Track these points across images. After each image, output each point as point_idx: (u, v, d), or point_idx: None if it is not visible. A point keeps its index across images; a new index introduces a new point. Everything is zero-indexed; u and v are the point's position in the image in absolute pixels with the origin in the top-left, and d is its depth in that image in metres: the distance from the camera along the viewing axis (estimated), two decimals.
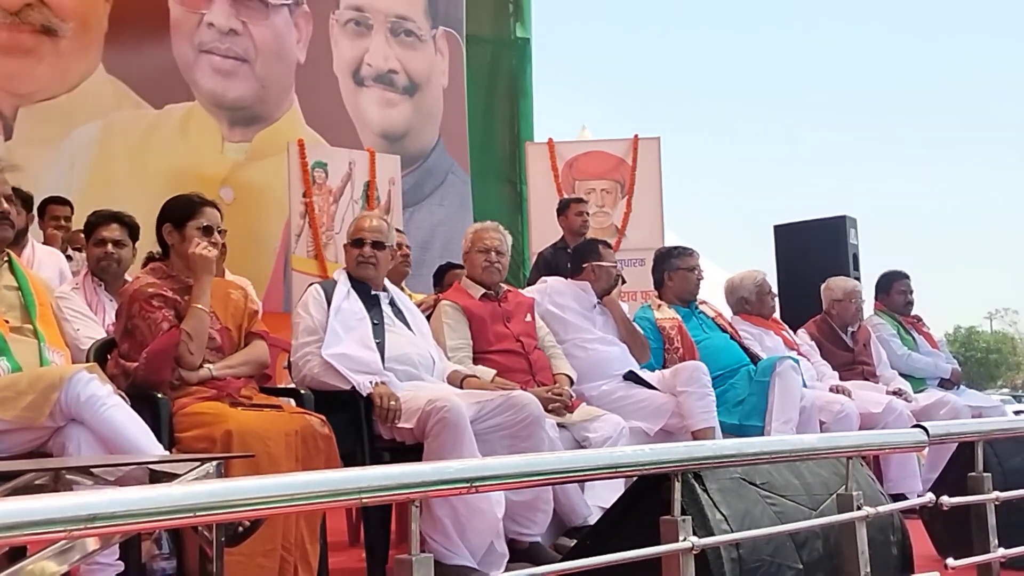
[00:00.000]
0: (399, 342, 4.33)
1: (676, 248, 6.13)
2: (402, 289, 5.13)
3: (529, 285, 5.90)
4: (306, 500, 1.67)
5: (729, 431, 5.09)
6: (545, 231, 8.22)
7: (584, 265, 5.40)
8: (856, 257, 8.30)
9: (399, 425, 3.98)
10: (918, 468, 5.87)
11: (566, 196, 8.20)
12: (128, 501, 1.41)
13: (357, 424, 4.03)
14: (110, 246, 4.54)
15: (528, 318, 4.94)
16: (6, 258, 3.53)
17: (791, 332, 6.44)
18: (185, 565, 3.19)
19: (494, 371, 4.57)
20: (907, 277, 6.99)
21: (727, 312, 6.29)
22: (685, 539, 2.19)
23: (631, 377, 5.12)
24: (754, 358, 5.62)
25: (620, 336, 5.30)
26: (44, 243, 5.58)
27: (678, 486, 2.24)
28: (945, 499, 2.97)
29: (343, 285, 4.39)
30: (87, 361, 3.62)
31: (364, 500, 1.75)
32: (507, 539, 4.04)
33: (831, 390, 5.84)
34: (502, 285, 4.98)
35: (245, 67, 9.37)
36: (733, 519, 2.40)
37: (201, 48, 9.08)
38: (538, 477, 2.14)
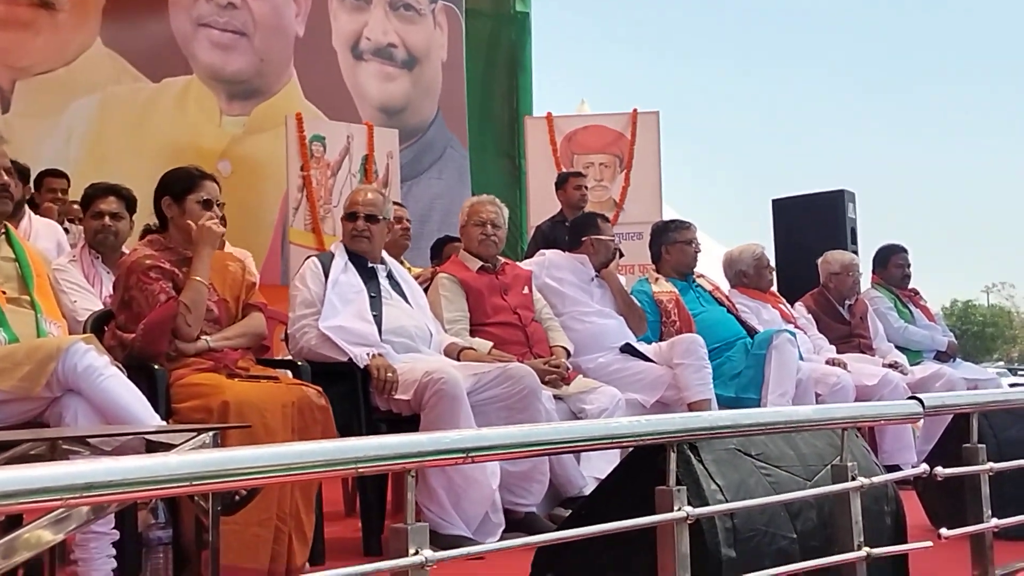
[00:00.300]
0: (396, 315, 4.34)
1: (673, 222, 6.14)
2: (402, 263, 5.14)
3: (527, 259, 5.90)
4: (302, 470, 1.67)
5: (725, 403, 5.11)
6: (544, 205, 8.22)
7: (582, 239, 5.40)
8: (854, 231, 8.30)
9: (396, 397, 4.00)
10: (913, 440, 5.90)
11: (565, 170, 8.19)
12: (124, 470, 1.42)
13: (354, 396, 4.05)
14: (107, 219, 4.54)
15: (525, 290, 4.95)
16: (3, 230, 3.52)
17: (788, 305, 6.45)
18: (181, 535, 3.21)
19: (491, 343, 4.59)
20: (905, 251, 7.00)
21: (724, 285, 6.30)
22: (680, 509, 2.19)
23: (628, 350, 5.13)
24: (751, 331, 5.63)
25: (617, 309, 5.31)
26: (40, 215, 5.57)
27: (673, 457, 2.24)
28: (939, 470, 2.98)
29: (340, 258, 4.40)
30: (84, 332, 3.62)
31: (360, 470, 1.76)
32: (503, 509, 4.06)
33: (827, 363, 5.86)
34: (499, 258, 4.98)
35: (243, 41, 9.34)
36: (728, 489, 2.41)
37: (199, 21, 9.04)
38: (534, 447, 2.15)
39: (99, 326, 3.76)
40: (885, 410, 3.26)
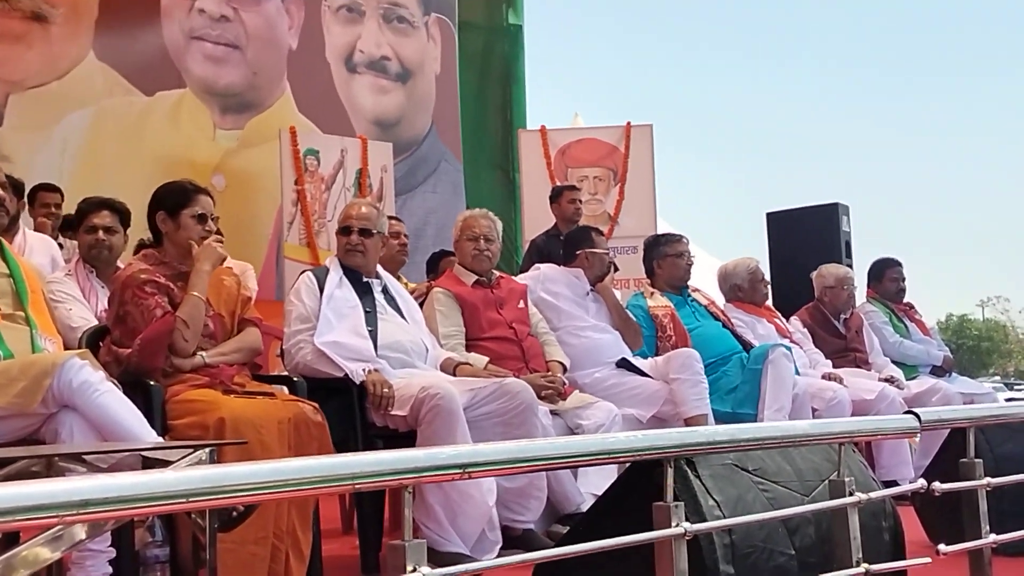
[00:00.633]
0: (392, 330, 4.33)
1: (664, 235, 6.14)
2: (398, 278, 5.13)
3: (522, 272, 5.90)
4: (299, 486, 1.66)
5: (722, 419, 5.09)
6: (538, 219, 8.21)
7: (577, 252, 5.40)
8: (849, 244, 8.31)
9: (392, 412, 3.99)
10: (910, 455, 5.89)
11: (559, 183, 8.19)
12: (120, 486, 1.41)
13: (350, 411, 4.04)
14: (101, 233, 4.53)
15: (521, 305, 4.94)
16: None
17: (784, 319, 6.45)
18: (178, 552, 3.19)
19: (487, 358, 4.58)
20: (899, 264, 7.01)
21: (720, 299, 6.30)
22: (678, 525, 2.18)
23: (624, 364, 5.12)
24: (747, 346, 5.62)
25: (613, 323, 5.31)
26: (35, 230, 5.56)
27: (671, 472, 2.24)
28: (937, 485, 2.97)
29: (335, 273, 4.39)
30: (80, 344, 3.62)
31: (357, 486, 1.75)
32: (501, 526, 4.05)
33: (823, 377, 5.85)
34: (494, 272, 4.98)
35: (236, 54, 9.34)
36: (726, 505, 2.40)
37: (192, 34, 9.04)
38: (531, 463, 2.14)
39: (94, 341, 3.75)
40: (882, 425, 3.26)
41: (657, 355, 5.31)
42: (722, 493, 2.43)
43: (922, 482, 2.95)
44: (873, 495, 2.65)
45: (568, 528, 3.71)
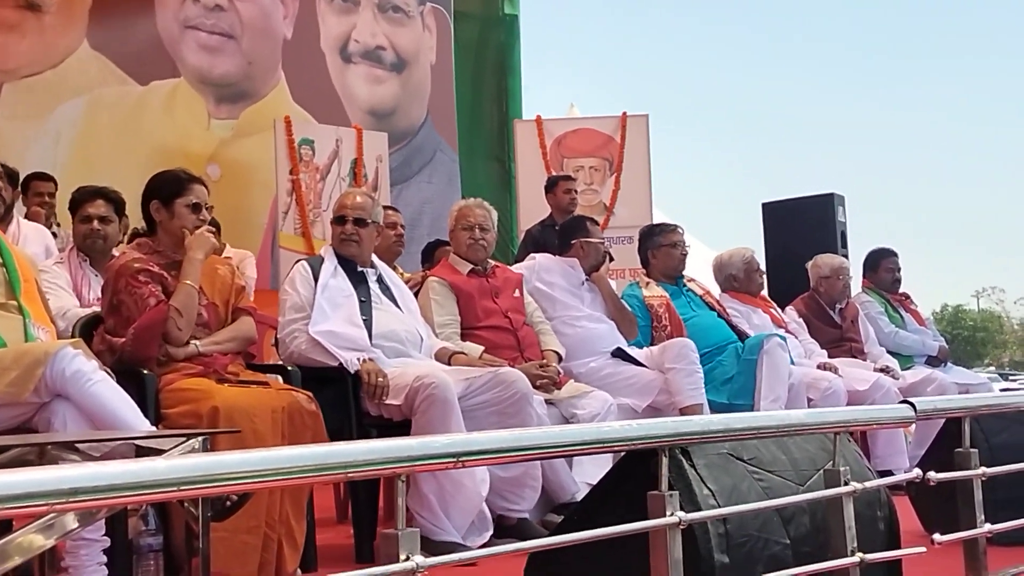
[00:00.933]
0: (386, 319, 4.32)
1: (658, 225, 6.13)
2: (394, 269, 5.12)
3: (517, 262, 5.89)
4: (291, 474, 1.65)
5: (718, 409, 5.09)
6: (533, 209, 8.20)
7: (572, 242, 5.39)
8: (844, 235, 8.30)
9: (387, 402, 3.99)
10: (905, 445, 5.89)
11: (554, 174, 8.18)
12: (110, 475, 1.40)
13: (344, 401, 4.03)
14: (96, 222, 4.52)
15: (516, 294, 4.93)
16: None
17: (779, 310, 6.44)
18: (172, 541, 3.18)
19: (482, 348, 4.57)
20: (895, 255, 7.00)
21: (715, 290, 6.29)
22: (672, 514, 2.18)
23: (619, 354, 5.12)
24: (742, 336, 5.62)
25: (608, 313, 5.30)
26: (27, 219, 5.54)
27: (665, 461, 2.23)
28: (932, 475, 2.97)
29: (330, 262, 4.38)
30: (73, 332, 3.61)
31: (350, 475, 1.74)
32: (495, 515, 4.05)
33: (819, 367, 5.85)
34: (489, 261, 4.97)
35: (231, 43, 9.30)
36: (720, 494, 2.40)
37: (186, 24, 9.00)
38: (525, 452, 2.13)
39: (88, 330, 3.73)
40: (878, 414, 3.25)
41: (652, 345, 5.31)
42: (717, 482, 2.42)
43: (918, 472, 2.95)
44: (868, 484, 2.65)
45: (563, 517, 3.71)
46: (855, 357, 6.30)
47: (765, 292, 6.61)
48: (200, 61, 9.09)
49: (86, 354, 3.09)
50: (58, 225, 5.83)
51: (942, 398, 4.91)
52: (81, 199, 4.65)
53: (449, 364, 4.33)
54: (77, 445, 2.69)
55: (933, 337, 6.82)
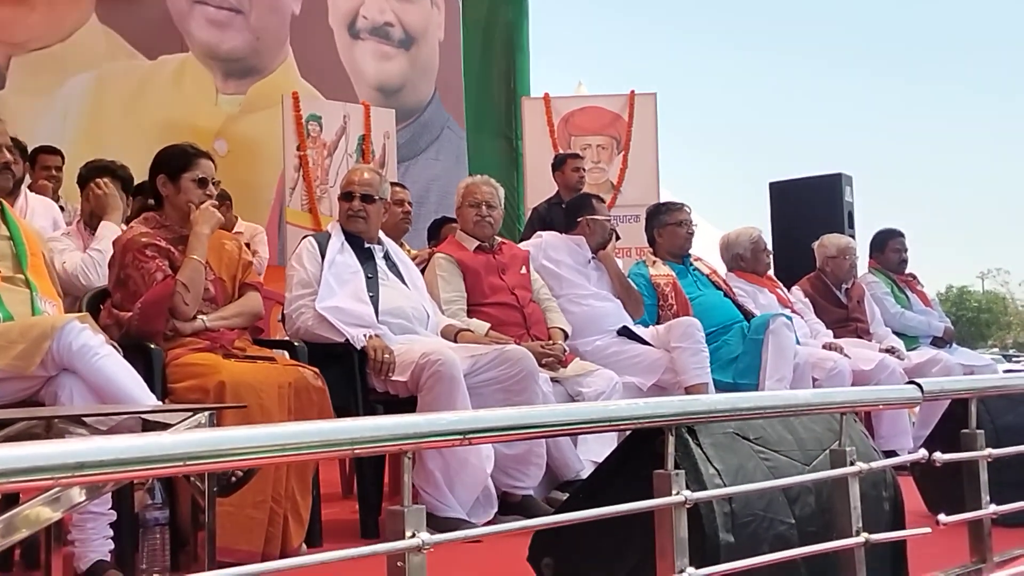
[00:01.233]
0: (393, 296, 4.32)
1: (664, 204, 6.12)
2: (401, 246, 5.11)
3: (523, 240, 5.88)
4: (298, 450, 1.65)
5: (723, 389, 5.10)
6: (540, 187, 8.19)
7: (578, 219, 5.38)
8: (851, 215, 8.28)
9: (393, 378, 3.99)
10: (909, 425, 5.89)
11: (562, 152, 8.15)
12: (116, 449, 1.40)
13: (351, 377, 4.04)
14: None
15: (523, 270, 4.93)
16: None
17: (785, 289, 6.44)
18: (178, 515, 3.20)
19: (488, 325, 4.57)
20: (902, 235, 6.99)
21: (722, 269, 6.28)
22: (678, 493, 2.18)
23: (625, 333, 5.11)
24: (748, 315, 5.62)
25: (614, 292, 5.29)
26: (34, 192, 5.54)
27: (671, 440, 2.23)
28: (938, 455, 2.97)
29: (337, 238, 4.38)
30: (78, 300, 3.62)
31: (356, 451, 1.74)
32: (500, 492, 4.06)
33: (824, 347, 5.85)
34: (496, 238, 4.96)
35: (239, 18, 9.28)
36: (726, 473, 2.40)
37: None
38: (531, 430, 2.14)
39: (95, 304, 3.74)
40: (884, 395, 3.24)
41: (658, 324, 5.31)
42: (723, 462, 2.42)
43: (924, 452, 2.95)
44: (874, 465, 2.65)
45: (567, 495, 3.72)
46: (861, 337, 6.30)
47: (771, 272, 6.60)
48: (208, 36, 9.07)
49: (93, 328, 3.09)
50: (65, 200, 5.82)
51: (949, 379, 4.92)
52: (89, 175, 4.65)
53: (455, 341, 4.33)
54: (84, 419, 2.69)
55: (939, 318, 6.82)
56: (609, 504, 2.13)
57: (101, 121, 8.31)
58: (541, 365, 4.30)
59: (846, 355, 5.72)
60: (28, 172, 5.65)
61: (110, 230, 4.40)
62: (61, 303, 3.51)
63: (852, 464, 2.57)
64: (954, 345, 6.77)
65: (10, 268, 3.34)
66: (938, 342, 6.64)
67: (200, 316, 3.64)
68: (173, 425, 2.61)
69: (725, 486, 2.35)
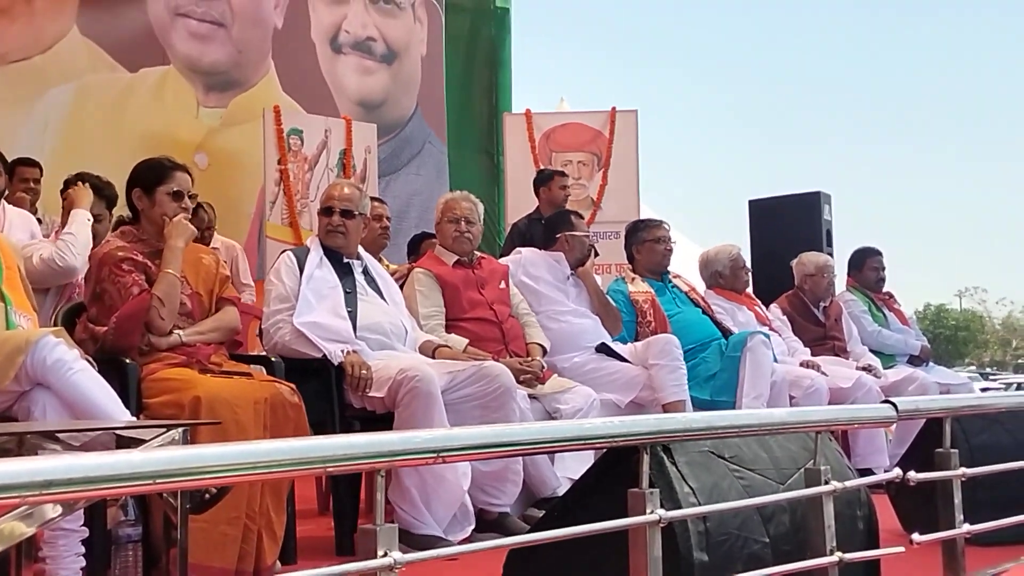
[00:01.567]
0: (371, 311, 4.31)
1: (644, 221, 6.13)
2: (380, 260, 5.11)
3: (503, 256, 5.88)
4: (269, 468, 1.64)
5: (700, 406, 5.09)
6: (521, 202, 8.18)
7: (557, 235, 5.39)
8: (830, 233, 8.31)
9: (370, 394, 3.98)
10: (885, 444, 5.91)
11: (546, 168, 8.10)
12: (84, 467, 1.39)
13: (328, 393, 4.02)
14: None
15: (502, 285, 4.93)
16: None
17: (763, 307, 6.45)
18: (151, 532, 3.17)
19: (466, 341, 4.57)
20: (879, 254, 7.02)
21: (701, 286, 6.30)
22: (652, 512, 2.18)
23: (603, 349, 5.12)
24: (726, 332, 5.63)
25: (593, 308, 5.30)
26: (12, 205, 5.50)
27: (646, 459, 2.23)
28: (912, 475, 2.98)
29: (316, 253, 4.37)
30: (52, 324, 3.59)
31: (328, 469, 1.73)
32: (476, 509, 4.05)
33: (802, 365, 5.86)
34: (476, 252, 4.97)
35: (221, 31, 9.26)
36: (701, 492, 2.40)
37: (177, 11, 8.95)
38: (505, 448, 2.13)
39: (70, 319, 3.72)
40: (859, 413, 3.26)
41: (637, 340, 5.31)
42: (698, 480, 2.42)
43: (898, 471, 2.95)
44: (848, 484, 2.65)
45: (544, 512, 3.71)
46: (838, 355, 6.32)
47: (750, 289, 6.62)
48: (190, 49, 9.04)
49: (67, 343, 3.08)
50: (43, 212, 5.78)
51: (924, 398, 4.93)
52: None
53: (433, 357, 4.33)
54: (57, 435, 2.68)
55: (915, 337, 6.85)
56: (584, 522, 2.13)
57: (81, 133, 8.27)
58: (519, 382, 4.30)
59: (823, 373, 5.74)
60: (7, 184, 5.63)
61: (81, 215, 4.41)
62: (36, 317, 3.49)
63: (826, 483, 2.57)
64: (931, 363, 6.81)
65: None
66: (915, 360, 6.67)
67: (176, 331, 3.63)
68: (147, 441, 2.59)
69: (700, 505, 2.35)
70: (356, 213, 4.42)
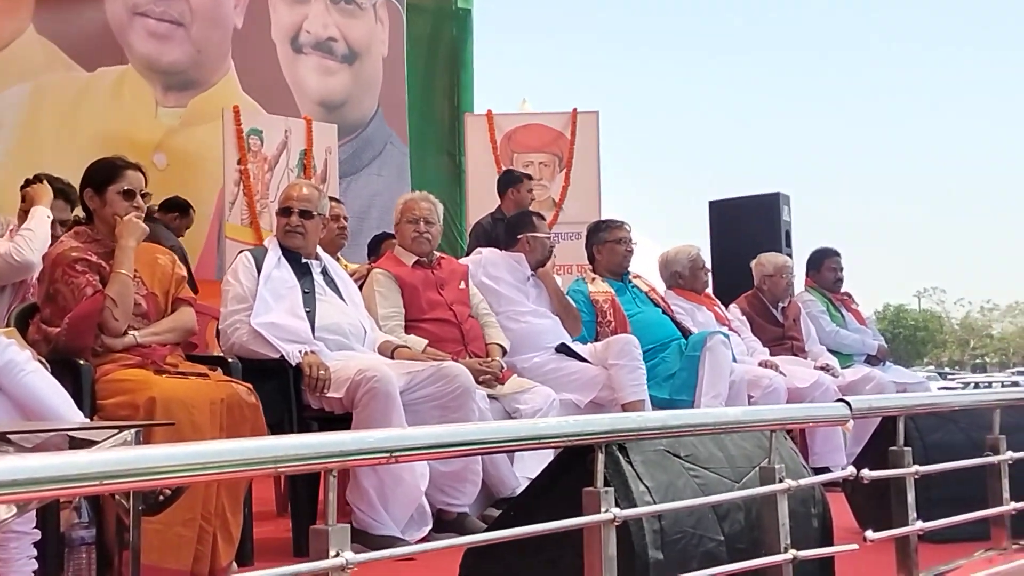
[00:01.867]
0: (330, 311, 4.30)
1: (604, 222, 6.15)
2: (338, 260, 5.09)
3: (467, 256, 5.87)
4: (220, 469, 1.63)
5: (659, 405, 5.12)
6: (483, 203, 8.17)
7: (518, 236, 5.39)
8: (789, 234, 8.38)
9: (328, 395, 3.97)
10: (843, 442, 5.95)
11: (512, 169, 8.05)
12: (31, 468, 1.37)
13: (285, 393, 4.01)
14: (57, 227, 4.48)
15: (462, 285, 4.93)
16: None
17: (723, 307, 6.49)
18: (105, 534, 3.14)
19: (425, 341, 4.56)
20: (838, 254, 7.08)
21: (660, 286, 6.32)
22: (607, 510, 2.18)
23: (563, 350, 5.13)
24: (686, 332, 5.65)
25: (553, 309, 5.31)
26: None
27: (601, 458, 2.23)
28: (865, 472, 3.00)
29: (274, 253, 4.35)
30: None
31: (280, 469, 1.73)
32: (435, 509, 4.05)
33: (760, 365, 5.90)
34: (435, 252, 4.96)
35: (180, 31, 9.19)
36: (656, 491, 2.41)
37: (135, 10, 8.88)
38: (458, 448, 2.13)
39: (23, 320, 3.68)
40: (813, 412, 3.28)
41: (597, 340, 5.33)
42: (653, 479, 2.43)
43: (852, 470, 2.98)
44: (802, 482, 2.67)
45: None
46: (796, 355, 6.37)
47: (710, 290, 6.66)
48: (148, 48, 8.97)
49: (20, 343, 3.05)
50: None
51: (878, 397, 4.98)
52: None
53: (392, 357, 4.32)
54: (8, 436, 2.65)
55: (873, 336, 6.92)
56: (540, 522, 2.13)
57: (37, 133, 8.20)
58: (478, 382, 4.30)
59: (782, 373, 5.78)
60: None
61: (41, 212, 4.38)
62: None
63: (781, 481, 2.59)
64: (888, 363, 6.87)
65: None
66: (872, 360, 6.73)
67: (132, 332, 3.60)
68: (99, 442, 2.57)
69: (655, 503, 2.36)
70: (315, 213, 4.40)
